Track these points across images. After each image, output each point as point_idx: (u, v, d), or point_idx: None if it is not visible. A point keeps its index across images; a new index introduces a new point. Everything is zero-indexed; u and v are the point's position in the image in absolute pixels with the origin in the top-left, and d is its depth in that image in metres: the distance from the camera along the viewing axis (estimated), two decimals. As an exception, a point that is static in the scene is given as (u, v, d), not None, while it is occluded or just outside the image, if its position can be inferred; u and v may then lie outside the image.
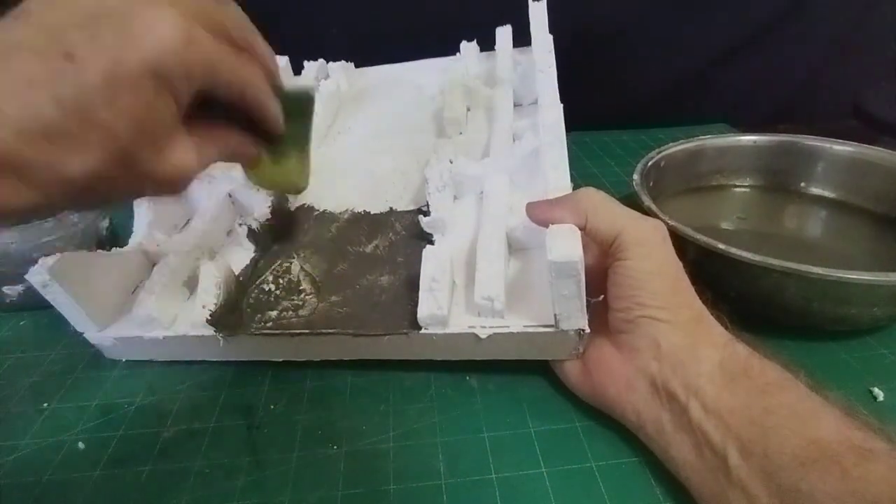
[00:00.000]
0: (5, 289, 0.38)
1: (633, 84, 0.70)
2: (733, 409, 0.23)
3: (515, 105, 0.44)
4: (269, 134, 0.26)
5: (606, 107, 0.66)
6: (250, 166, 0.28)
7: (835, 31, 0.67)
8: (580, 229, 0.27)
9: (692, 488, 0.24)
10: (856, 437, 0.21)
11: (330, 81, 0.51)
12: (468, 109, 0.45)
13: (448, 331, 0.29)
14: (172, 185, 0.21)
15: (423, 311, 0.29)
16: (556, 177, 0.33)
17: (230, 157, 0.25)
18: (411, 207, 0.38)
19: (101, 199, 0.21)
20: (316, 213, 0.40)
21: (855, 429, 0.21)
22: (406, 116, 0.48)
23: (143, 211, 0.38)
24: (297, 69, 0.53)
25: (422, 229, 0.35)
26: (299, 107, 0.28)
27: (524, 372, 0.32)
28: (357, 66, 0.56)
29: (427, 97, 0.50)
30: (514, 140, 0.39)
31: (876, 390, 0.30)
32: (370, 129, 0.48)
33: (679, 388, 0.25)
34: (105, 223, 0.42)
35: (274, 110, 0.25)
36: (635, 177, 0.40)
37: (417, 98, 0.50)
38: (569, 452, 0.27)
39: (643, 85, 0.70)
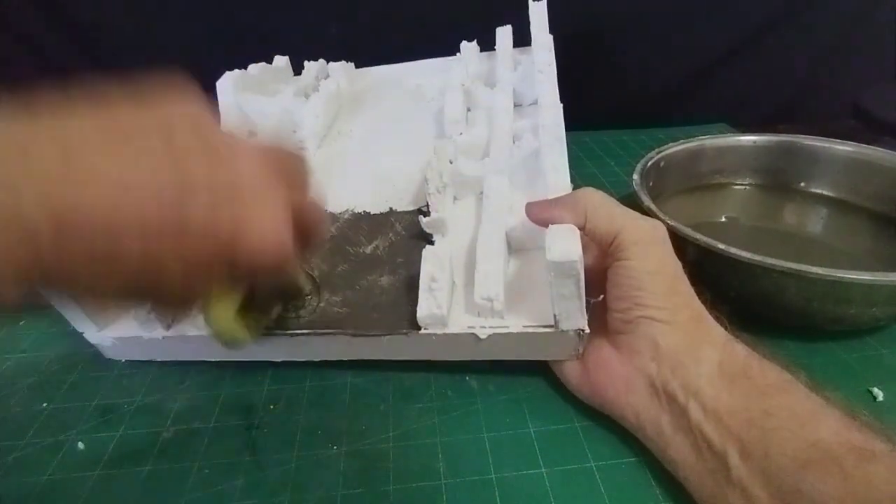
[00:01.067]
0: (5, 289, 0.38)
1: (633, 84, 0.70)
2: (733, 410, 0.23)
3: (515, 105, 0.44)
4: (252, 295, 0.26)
5: (606, 107, 0.66)
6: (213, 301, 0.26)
7: (835, 31, 0.67)
8: (579, 229, 0.27)
9: (691, 489, 0.24)
10: (856, 439, 0.21)
11: (330, 81, 0.51)
12: (468, 110, 0.45)
13: (447, 331, 0.29)
14: (174, 309, 0.22)
15: (423, 310, 0.29)
16: (555, 177, 0.33)
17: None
18: (411, 208, 0.38)
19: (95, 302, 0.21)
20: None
21: (855, 430, 0.21)
22: (406, 117, 0.48)
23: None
24: (298, 69, 0.53)
25: (422, 230, 0.35)
26: (290, 293, 0.29)
27: (524, 372, 0.32)
28: (357, 66, 0.56)
29: (427, 98, 0.49)
30: (514, 140, 0.39)
31: (875, 390, 0.30)
32: (370, 130, 0.48)
33: (678, 389, 0.25)
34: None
35: (271, 291, 0.25)
36: (635, 177, 0.40)
37: (417, 98, 0.50)
38: (568, 453, 0.27)
39: (643, 85, 0.70)
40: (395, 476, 0.27)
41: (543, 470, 0.27)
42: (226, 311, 0.26)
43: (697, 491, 0.24)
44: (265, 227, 0.19)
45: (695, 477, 0.24)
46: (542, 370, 0.31)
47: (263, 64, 0.50)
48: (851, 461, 0.20)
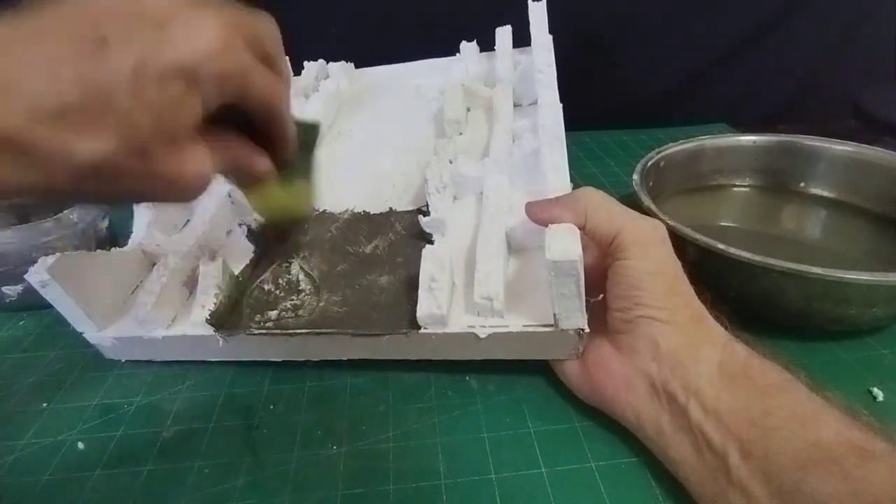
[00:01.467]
0: (5, 289, 0.38)
1: (633, 84, 0.70)
2: (733, 410, 0.23)
3: (515, 105, 0.44)
4: (279, 159, 0.26)
5: (606, 107, 0.66)
6: (255, 188, 0.27)
7: (835, 31, 0.67)
8: (579, 229, 0.27)
9: (691, 488, 0.24)
10: (856, 438, 0.21)
11: (330, 82, 0.51)
12: (468, 110, 0.45)
13: (447, 330, 0.29)
14: (183, 191, 0.21)
15: (423, 310, 0.29)
16: (555, 177, 0.33)
17: (240, 171, 0.24)
18: (411, 208, 0.38)
19: (105, 191, 0.20)
20: (316, 213, 0.40)
21: (855, 430, 0.21)
22: (406, 117, 0.48)
23: (143, 211, 0.38)
24: (297, 69, 0.53)
25: (422, 229, 0.35)
26: (308, 137, 0.28)
27: (524, 372, 0.32)
28: (357, 66, 0.56)
29: (427, 98, 0.50)
30: (513, 140, 0.39)
31: (875, 390, 0.30)
32: (370, 130, 0.48)
33: (678, 388, 0.25)
34: (105, 223, 0.42)
35: (292, 131, 0.25)
36: (635, 177, 0.40)
37: (417, 98, 0.50)
38: (568, 453, 0.27)
39: (643, 85, 0.70)
40: (395, 476, 0.27)
41: (543, 470, 0.27)
42: (271, 194, 0.27)
43: (698, 491, 0.24)
44: (198, 31, 0.19)
45: (695, 477, 0.24)
46: (541, 370, 0.31)
47: None
48: (852, 461, 0.20)
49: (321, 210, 0.40)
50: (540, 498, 0.25)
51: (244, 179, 0.26)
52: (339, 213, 0.39)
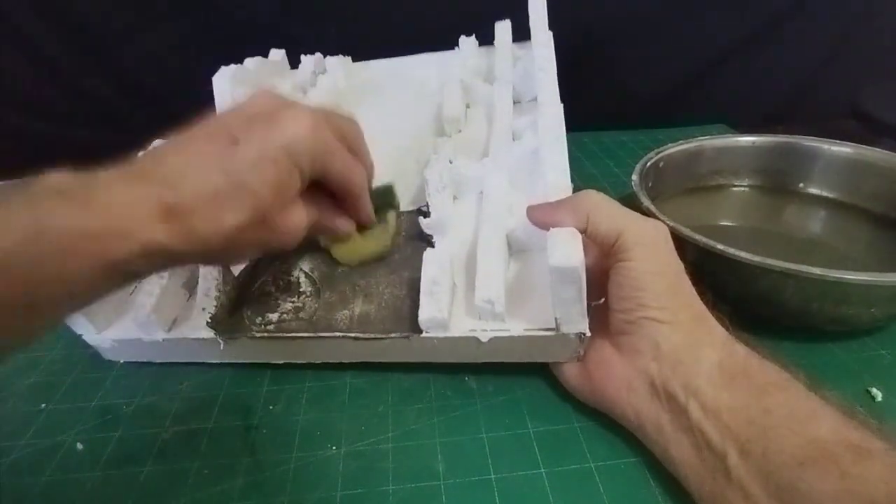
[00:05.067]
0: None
1: (633, 84, 0.69)
2: (732, 409, 0.23)
3: (515, 102, 0.43)
4: (358, 223, 0.32)
5: (606, 107, 0.66)
6: (338, 242, 0.34)
7: (835, 30, 0.67)
8: (581, 231, 0.27)
9: (691, 488, 0.24)
10: (854, 437, 0.21)
11: (327, 76, 0.50)
12: (467, 107, 0.45)
13: (449, 334, 0.29)
14: (287, 241, 0.26)
15: (424, 314, 0.29)
16: (555, 177, 0.33)
17: (326, 229, 0.31)
18: (411, 208, 0.38)
19: (238, 251, 0.26)
20: None
21: (853, 428, 0.21)
22: (405, 114, 0.48)
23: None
24: (294, 63, 0.52)
25: (421, 230, 0.35)
26: (385, 198, 0.35)
27: (523, 373, 0.32)
28: (354, 60, 0.56)
29: (426, 93, 0.49)
30: (513, 138, 0.39)
31: (874, 390, 0.30)
32: (368, 126, 0.47)
33: (678, 388, 0.25)
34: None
35: (367, 205, 0.31)
36: (634, 177, 0.40)
37: (416, 94, 0.50)
38: (567, 453, 0.27)
39: (642, 85, 0.70)
40: (394, 476, 0.27)
41: (543, 470, 0.27)
42: (352, 245, 0.33)
43: (697, 490, 0.24)
44: (295, 122, 0.25)
45: (694, 476, 0.24)
46: (541, 370, 0.31)
47: (260, 58, 0.49)
48: (849, 459, 0.20)
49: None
50: (539, 498, 0.25)
51: (328, 236, 0.34)
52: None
